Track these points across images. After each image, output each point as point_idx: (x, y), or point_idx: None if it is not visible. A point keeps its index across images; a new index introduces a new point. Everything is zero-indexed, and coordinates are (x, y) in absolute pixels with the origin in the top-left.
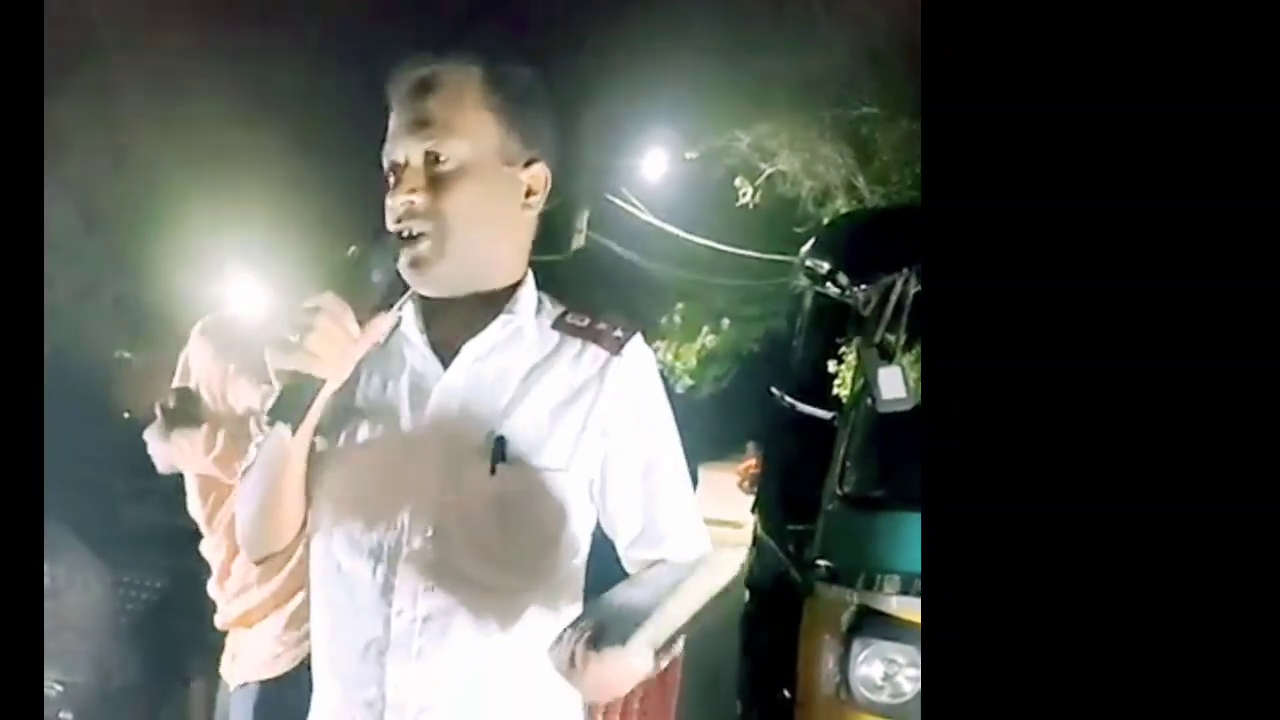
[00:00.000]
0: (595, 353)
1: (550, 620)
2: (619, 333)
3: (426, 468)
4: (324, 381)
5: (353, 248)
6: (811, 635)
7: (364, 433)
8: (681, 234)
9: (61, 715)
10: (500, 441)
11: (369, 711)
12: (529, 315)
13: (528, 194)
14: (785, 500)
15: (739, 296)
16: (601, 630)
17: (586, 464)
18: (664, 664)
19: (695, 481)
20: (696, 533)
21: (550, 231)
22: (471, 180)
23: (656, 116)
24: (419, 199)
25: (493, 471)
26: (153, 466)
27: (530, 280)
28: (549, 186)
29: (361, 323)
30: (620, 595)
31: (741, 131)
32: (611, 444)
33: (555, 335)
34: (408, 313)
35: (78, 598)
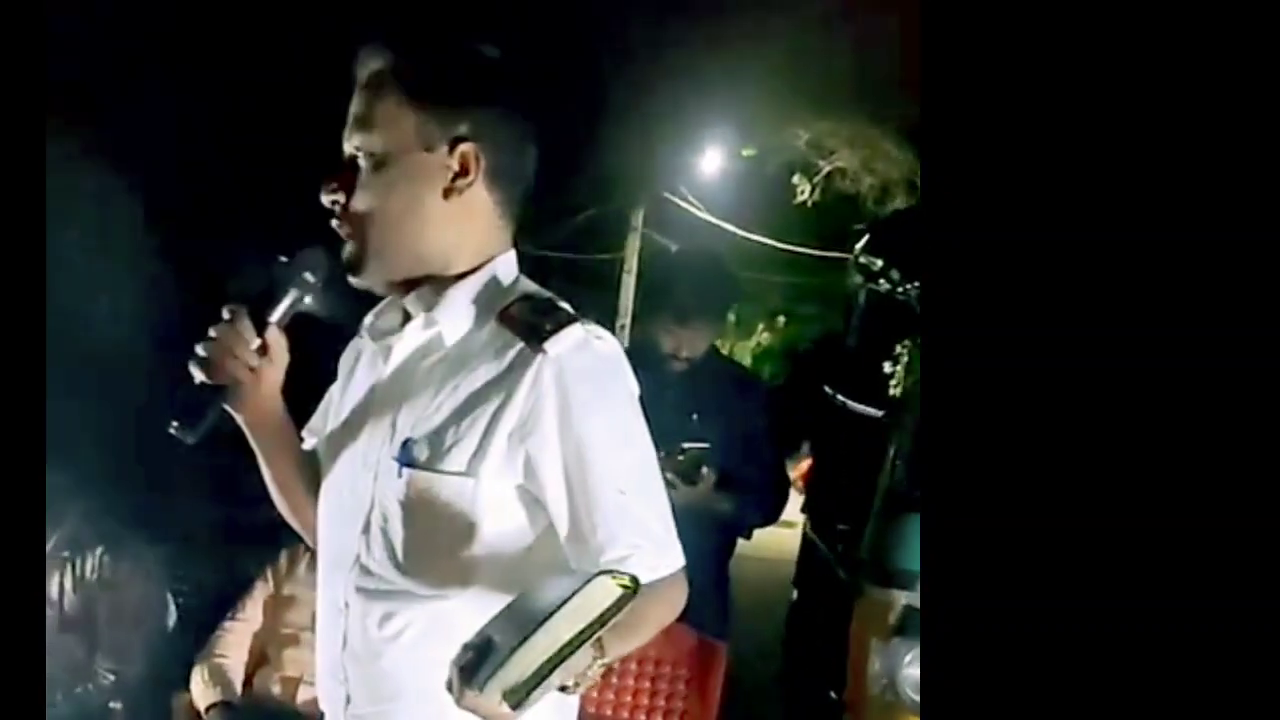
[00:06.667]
0: (517, 349)
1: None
2: (549, 325)
3: (366, 469)
4: (222, 389)
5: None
6: (860, 636)
7: (334, 430)
8: (738, 232)
9: (112, 704)
10: (406, 444)
11: (340, 706)
12: (457, 310)
13: (456, 176)
14: (835, 499)
15: (795, 295)
16: (472, 664)
17: (501, 468)
18: (521, 713)
19: None
20: (647, 539)
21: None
22: (387, 173)
23: (713, 113)
24: (340, 199)
25: (399, 474)
26: (210, 470)
27: (484, 271)
28: (481, 163)
29: (272, 330)
30: (502, 618)
31: (800, 129)
32: (530, 446)
33: (491, 327)
34: (381, 306)
35: (134, 591)
